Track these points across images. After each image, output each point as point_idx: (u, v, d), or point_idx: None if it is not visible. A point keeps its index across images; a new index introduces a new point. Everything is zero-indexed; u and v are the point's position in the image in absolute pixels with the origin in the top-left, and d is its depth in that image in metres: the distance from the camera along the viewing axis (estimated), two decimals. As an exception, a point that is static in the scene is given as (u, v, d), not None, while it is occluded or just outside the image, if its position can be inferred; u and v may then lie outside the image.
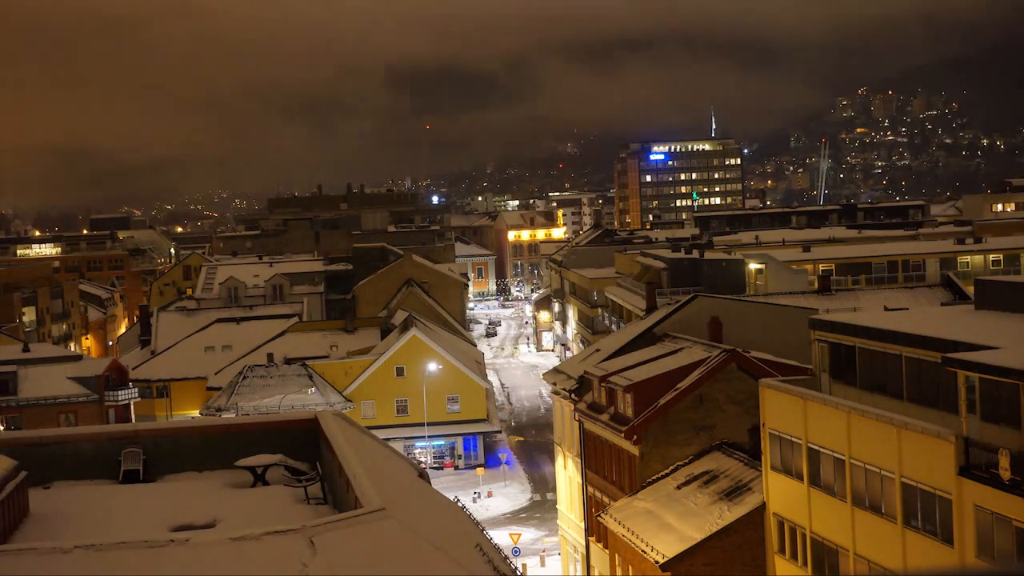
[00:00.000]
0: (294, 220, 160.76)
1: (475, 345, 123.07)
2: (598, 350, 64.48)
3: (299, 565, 17.40)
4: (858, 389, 37.23)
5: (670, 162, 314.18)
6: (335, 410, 52.59)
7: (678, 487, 46.84)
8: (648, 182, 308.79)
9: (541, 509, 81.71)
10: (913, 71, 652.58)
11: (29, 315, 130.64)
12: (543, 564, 69.66)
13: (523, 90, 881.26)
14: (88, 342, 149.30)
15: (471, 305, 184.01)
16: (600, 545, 54.39)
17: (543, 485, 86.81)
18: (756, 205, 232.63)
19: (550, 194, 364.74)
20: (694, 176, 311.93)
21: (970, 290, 61.39)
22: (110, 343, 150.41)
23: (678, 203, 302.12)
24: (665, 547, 42.71)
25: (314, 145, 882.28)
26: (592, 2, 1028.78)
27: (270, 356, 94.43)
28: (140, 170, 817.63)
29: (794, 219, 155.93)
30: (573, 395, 59.69)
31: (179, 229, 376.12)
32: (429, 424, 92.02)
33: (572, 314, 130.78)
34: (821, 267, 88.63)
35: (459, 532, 25.29)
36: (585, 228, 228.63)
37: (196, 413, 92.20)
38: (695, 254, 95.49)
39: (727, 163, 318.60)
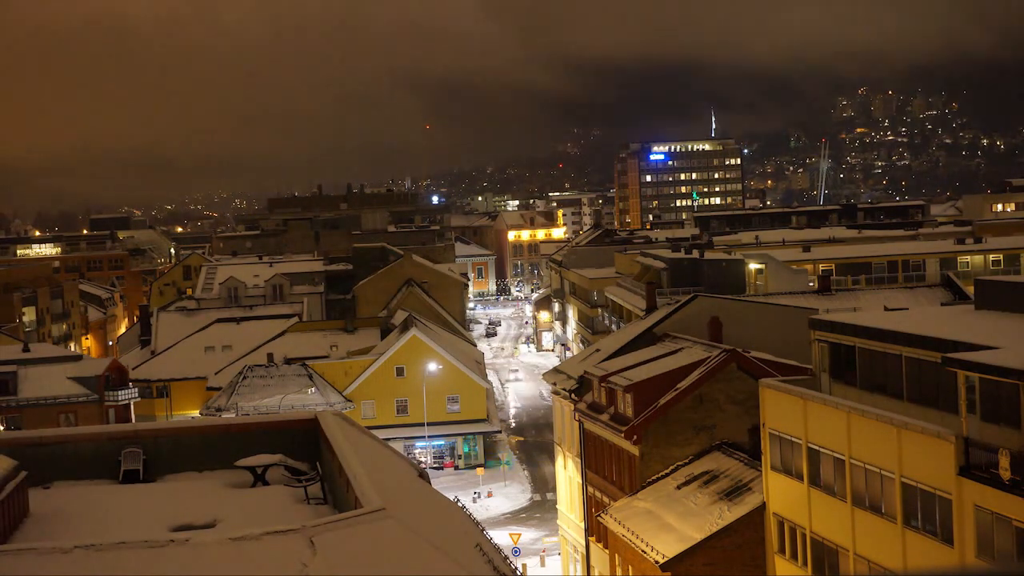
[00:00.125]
0: (294, 220, 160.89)
1: (475, 345, 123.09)
2: (598, 350, 64.47)
3: (299, 565, 17.40)
4: (858, 389, 37.21)
5: (670, 162, 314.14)
6: (335, 410, 52.56)
7: (678, 487, 46.83)
8: (648, 182, 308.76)
9: (541, 509, 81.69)
10: (913, 71, 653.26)
11: (29, 315, 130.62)
12: (543, 564, 69.63)
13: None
14: (88, 342, 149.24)
15: (471, 305, 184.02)
16: (600, 545, 54.37)
17: (543, 485, 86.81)
18: (756, 205, 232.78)
19: (550, 194, 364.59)
20: (694, 176, 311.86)
21: (970, 290, 61.39)
22: (110, 343, 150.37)
23: (678, 203, 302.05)
24: (665, 547, 42.70)
25: (314, 145, 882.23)
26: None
27: (270, 356, 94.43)
28: (140, 170, 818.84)
29: (794, 219, 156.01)
30: (573, 395, 59.69)
31: (179, 229, 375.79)
32: (429, 424, 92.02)
33: (572, 314, 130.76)
34: (821, 267, 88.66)
35: (459, 532, 25.28)
36: (585, 228, 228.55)
37: (196, 413, 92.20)
38: (695, 254, 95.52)
39: (727, 163, 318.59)
